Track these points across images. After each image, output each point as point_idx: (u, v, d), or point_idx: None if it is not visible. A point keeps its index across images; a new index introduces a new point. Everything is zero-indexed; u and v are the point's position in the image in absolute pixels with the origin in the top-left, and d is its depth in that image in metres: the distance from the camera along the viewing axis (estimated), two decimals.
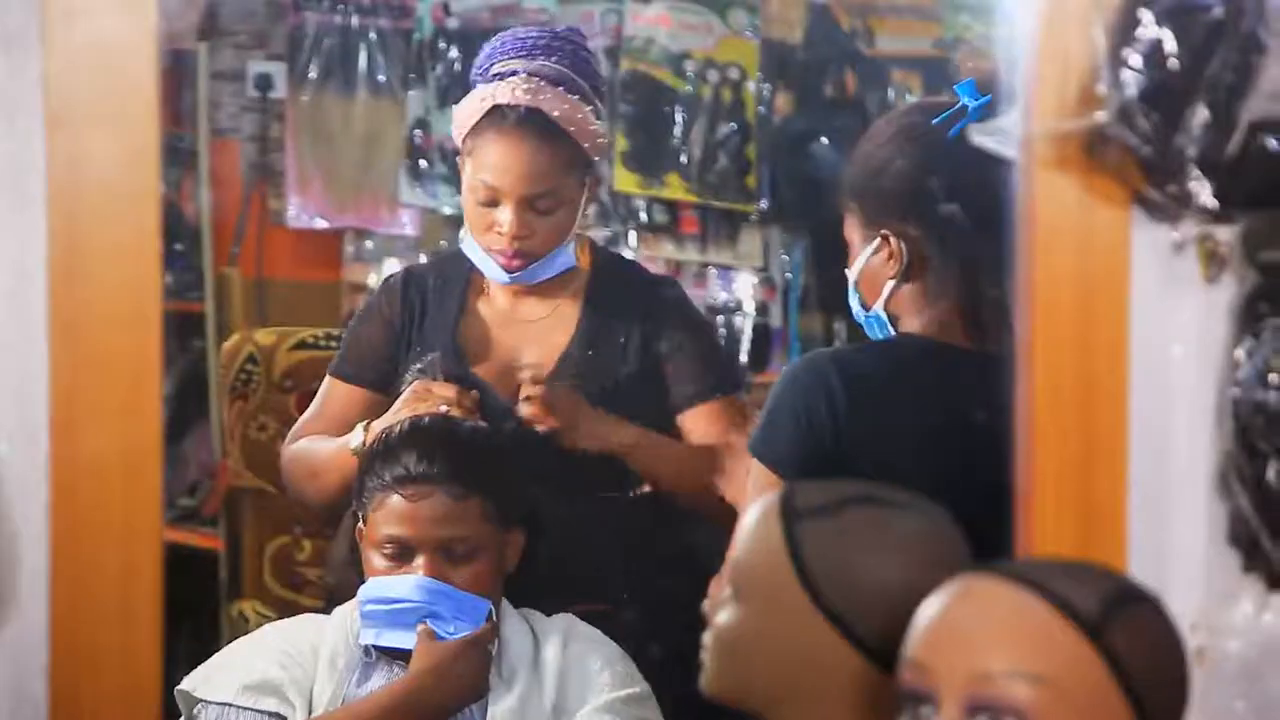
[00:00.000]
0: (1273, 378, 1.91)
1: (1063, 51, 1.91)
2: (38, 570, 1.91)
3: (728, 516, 2.55)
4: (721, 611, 1.95)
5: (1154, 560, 1.93)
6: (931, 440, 2.35)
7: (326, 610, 2.77)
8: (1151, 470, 1.95)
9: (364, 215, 5.01)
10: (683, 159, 4.95)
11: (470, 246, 2.99)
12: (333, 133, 4.96)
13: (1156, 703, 1.65)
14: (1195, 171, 1.86)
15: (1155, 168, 1.87)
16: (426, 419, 2.74)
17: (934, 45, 5.03)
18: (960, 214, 2.41)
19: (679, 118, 4.94)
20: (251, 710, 2.58)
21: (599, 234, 4.81)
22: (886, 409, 2.37)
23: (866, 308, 2.49)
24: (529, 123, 2.91)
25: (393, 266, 4.75)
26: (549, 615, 2.74)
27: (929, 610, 1.69)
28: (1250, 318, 1.93)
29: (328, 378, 3.10)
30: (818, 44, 4.99)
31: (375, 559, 2.65)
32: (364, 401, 3.02)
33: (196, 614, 3.98)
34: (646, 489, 3.02)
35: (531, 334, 3.01)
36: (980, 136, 2.21)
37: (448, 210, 4.89)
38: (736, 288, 5.00)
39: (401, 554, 2.63)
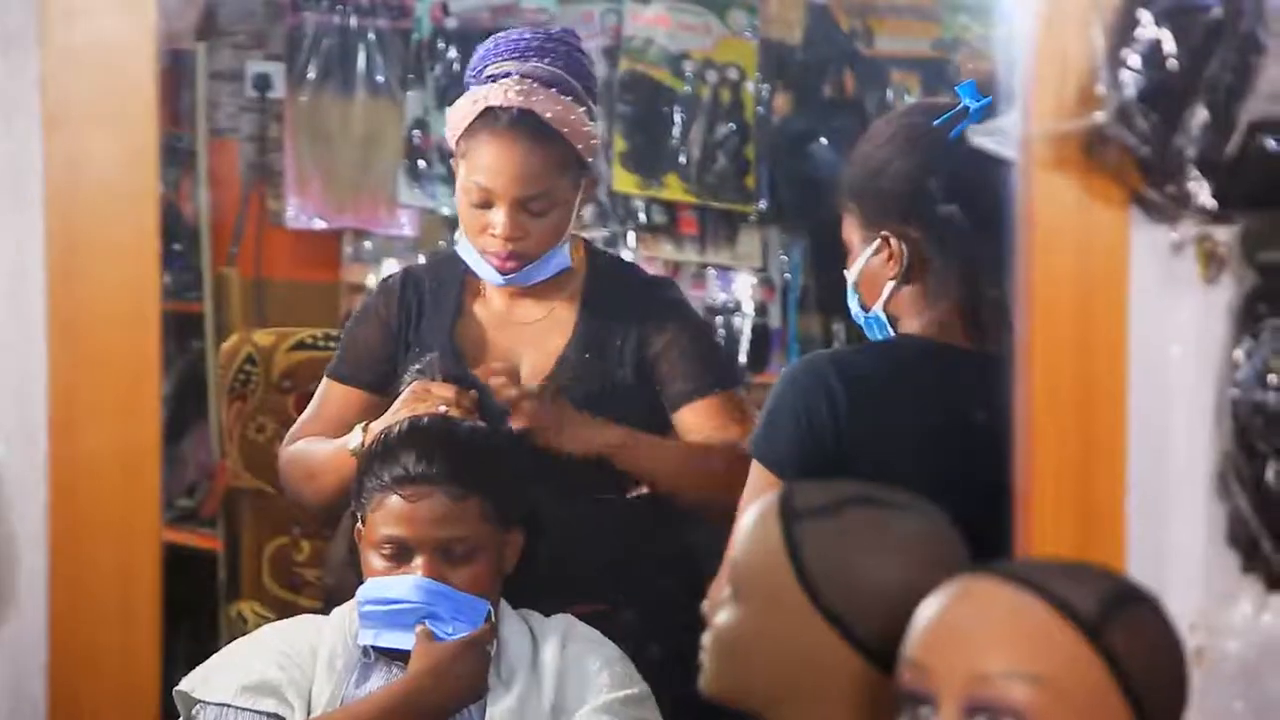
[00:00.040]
0: (1271, 378, 1.91)
1: (1061, 52, 1.91)
2: (36, 570, 1.91)
3: (727, 516, 2.55)
4: (721, 612, 1.95)
5: (1153, 561, 1.93)
6: (931, 441, 2.35)
7: (325, 611, 2.77)
8: (1150, 471, 1.95)
9: (362, 216, 5.01)
10: (681, 159, 4.94)
11: (465, 248, 2.99)
12: (331, 133, 4.96)
13: (1155, 703, 1.65)
14: (1194, 172, 1.86)
15: (1154, 168, 1.87)
16: (425, 419, 2.74)
17: (933, 46, 5.03)
18: (959, 215, 2.41)
19: (678, 118, 4.94)
20: (250, 711, 2.58)
21: (598, 235, 4.81)
22: (887, 410, 2.37)
23: (866, 309, 2.49)
24: (521, 124, 2.91)
25: (391, 267, 4.75)
26: (548, 616, 2.74)
27: (928, 611, 1.69)
28: (1249, 318, 1.93)
29: (325, 379, 3.09)
30: (817, 44, 4.99)
31: (374, 559, 2.65)
32: (361, 403, 3.02)
33: (195, 615, 3.99)
34: (645, 489, 3.01)
35: (528, 337, 3.01)
36: (979, 137, 2.21)
37: (446, 211, 4.89)
38: (735, 288, 5.00)
39: (400, 554, 2.63)
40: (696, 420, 2.97)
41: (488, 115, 2.92)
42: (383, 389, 2.99)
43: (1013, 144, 1.99)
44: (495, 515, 2.66)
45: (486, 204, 2.93)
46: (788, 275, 5.02)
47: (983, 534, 1.93)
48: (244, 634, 2.96)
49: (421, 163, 4.95)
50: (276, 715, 2.58)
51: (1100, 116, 1.87)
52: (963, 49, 4.95)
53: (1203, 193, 1.87)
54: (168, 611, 1.95)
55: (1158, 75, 1.85)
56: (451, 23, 4.92)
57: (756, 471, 2.38)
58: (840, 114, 4.89)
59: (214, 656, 2.68)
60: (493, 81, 2.94)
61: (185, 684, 2.62)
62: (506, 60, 2.96)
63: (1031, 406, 1.95)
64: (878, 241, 2.46)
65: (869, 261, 2.47)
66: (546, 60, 2.96)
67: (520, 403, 2.84)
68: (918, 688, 1.67)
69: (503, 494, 2.68)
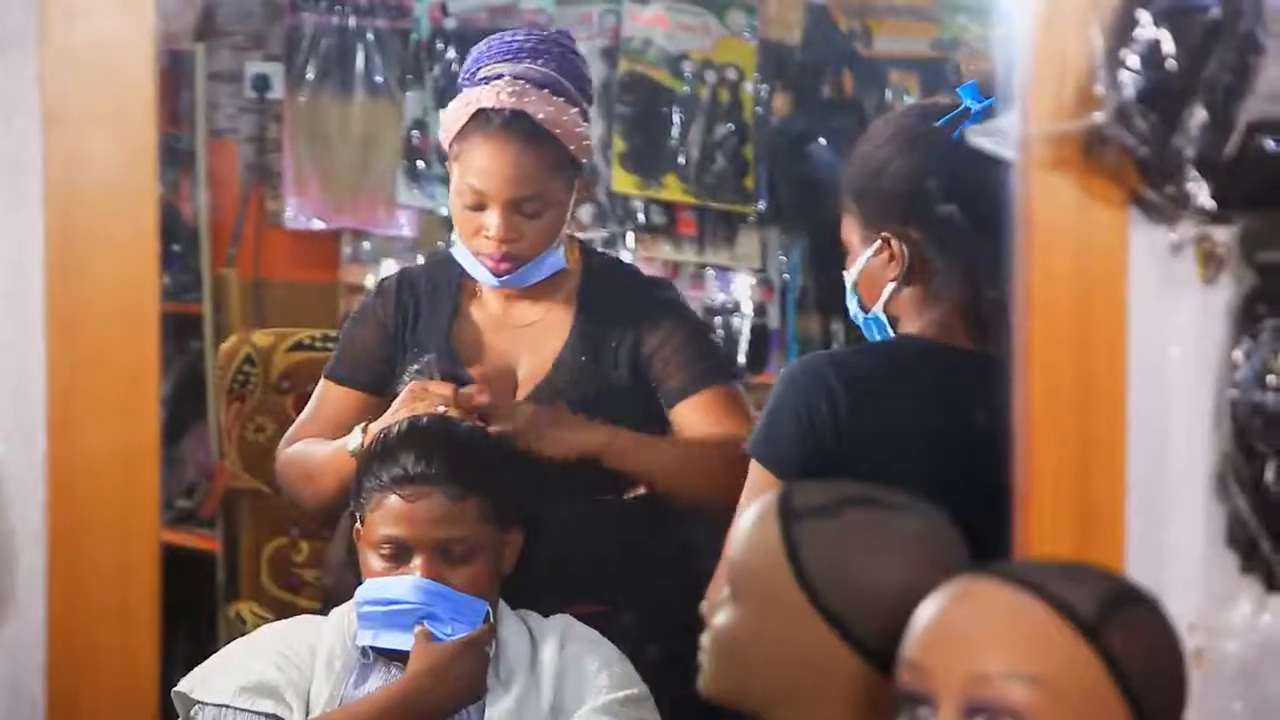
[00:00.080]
0: (1271, 379, 1.91)
1: (1060, 52, 1.91)
2: (35, 570, 1.91)
3: (726, 515, 2.54)
4: (719, 612, 1.95)
5: (1152, 561, 1.93)
6: (931, 441, 2.35)
7: (324, 611, 2.77)
8: (1150, 471, 1.95)
9: (361, 216, 5.01)
10: (680, 160, 4.94)
11: (460, 250, 2.99)
12: (330, 134, 4.96)
13: (1154, 704, 1.65)
14: (1193, 172, 1.86)
15: (1153, 169, 1.87)
16: (424, 419, 2.74)
17: (932, 46, 5.03)
18: (959, 215, 2.41)
19: (677, 119, 4.94)
20: (248, 712, 2.58)
21: (597, 235, 4.81)
22: (886, 410, 2.37)
23: (865, 309, 2.49)
24: (514, 126, 2.90)
25: (390, 268, 4.75)
26: (547, 616, 2.73)
27: (927, 611, 1.69)
28: (1248, 319, 1.93)
29: (322, 380, 3.09)
30: (816, 45, 4.99)
31: (373, 560, 2.65)
32: (359, 404, 3.01)
33: (194, 615, 3.99)
34: (643, 490, 3.01)
35: (524, 339, 3.01)
36: (978, 137, 2.21)
37: (445, 212, 4.87)
38: (734, 289, 5.00)
39: (399, 555, 2.63)
40: (693, 416, 2.95)
41: (480, 117, 2.92)
42: (380, 390, 2.99)
43: (1012, 144, 1.99)
44: (494, 515, 2.65)
45: (480, 206, 2.93)
46: (786, 276, 5.02)
47: (982, 534, 1.93)
48: (243, 634, 2.96)
49: (420, 163, 4.95)
50: (275, 716, 2.58)
51: (1099, 117, 1.87)
52: (961, 49, 4.95)
53: (1202, 193, 1.87)
54: (166, 612, 1.95)
55: (1156, 75, 1.85)
56: (450, 23, 4.92)
57: (756, 471, 2.38)
58: (839, 114, 4.89)
59: (212, 657, 2.68)
60: (485, 84, 2.94)
61: (184, 685, 2.62)
62: (499, 62, 2.96)
63: (1031, 407, 1.95)
64: (878, 243, 2.45)
65: (869, 262, 2.47)
66: (539, 62, 2.96)
67: (495, 409, 2.83)
68: (917, 688, 1.67)
69: (502, 494, 2.67)
